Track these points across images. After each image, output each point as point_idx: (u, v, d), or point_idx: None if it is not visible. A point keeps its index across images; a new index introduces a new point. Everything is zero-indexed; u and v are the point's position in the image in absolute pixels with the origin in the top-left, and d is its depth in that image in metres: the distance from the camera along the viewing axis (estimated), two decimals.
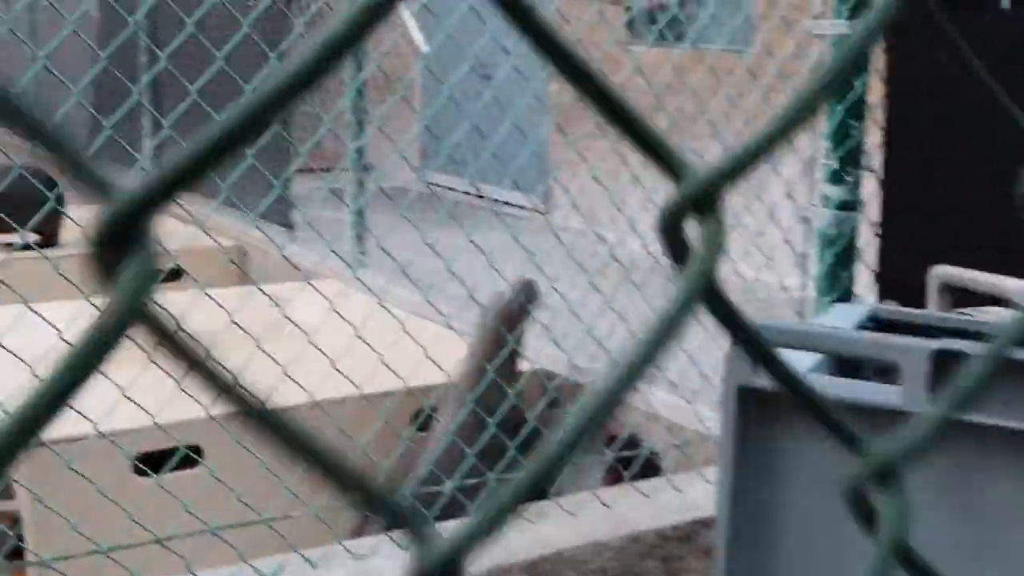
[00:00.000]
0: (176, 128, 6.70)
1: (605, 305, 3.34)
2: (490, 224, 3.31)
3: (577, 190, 3.05)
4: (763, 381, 1.96)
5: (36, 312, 2.26)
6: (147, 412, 2.39)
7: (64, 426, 2.05)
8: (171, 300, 2.36)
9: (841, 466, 1.89)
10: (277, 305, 2.59)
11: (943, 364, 1.89)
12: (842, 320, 2.55)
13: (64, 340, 2.25)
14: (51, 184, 4.76)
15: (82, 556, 2.28)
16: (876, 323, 2.62)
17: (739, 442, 2.01)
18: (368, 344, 2.61)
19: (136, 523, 2.34)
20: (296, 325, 2.63)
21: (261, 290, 2.70)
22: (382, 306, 2.82)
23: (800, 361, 2.11)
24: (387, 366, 2.63)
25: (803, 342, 1.97)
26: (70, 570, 2.28)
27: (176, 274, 5.76)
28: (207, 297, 2.49)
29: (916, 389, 1.86)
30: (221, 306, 2.39)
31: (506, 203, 7.15)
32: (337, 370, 2.57)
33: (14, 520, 3.22)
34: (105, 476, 2.39)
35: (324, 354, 2.61)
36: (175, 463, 2.63)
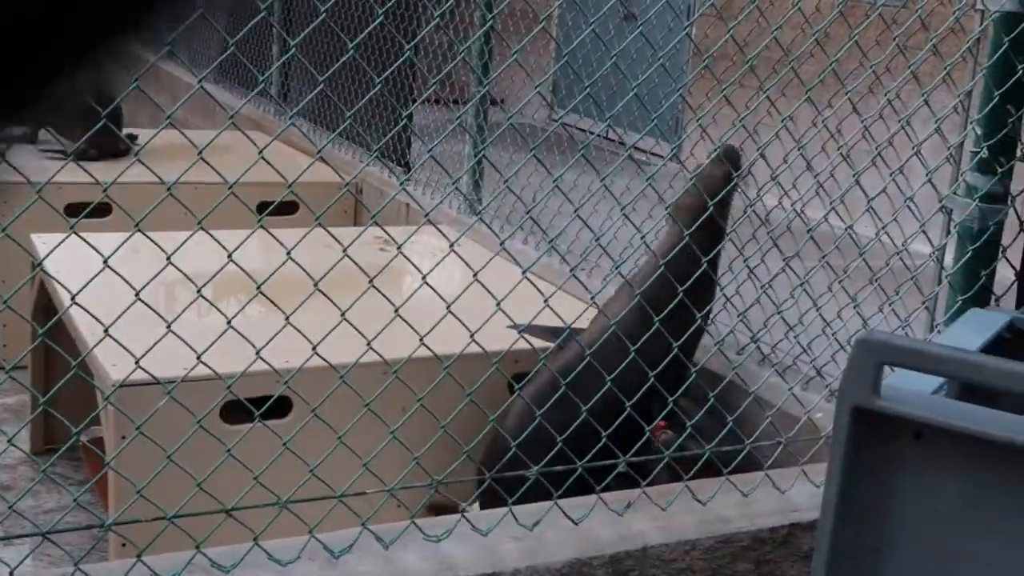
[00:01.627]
0: (302, 49, 6.63)
1: (737, 259, 3.18)
2: (624, 170, 3.14)
3: (716, 139, 2.86)
4: (882, 404, 1.78)
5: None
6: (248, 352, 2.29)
7: (152, 367, 1.97)
8: (284, 235, 2.29)
9: (955, 501, 1.70)
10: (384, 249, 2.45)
11: None
12: (978, 329, 2.34)
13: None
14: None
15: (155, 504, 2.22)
16: (1015, 335, 2.41)
17: (849, 464, 1.84)
18: (490, 292, 2.44)
19: (221, 469, 2.28)
20: (422, 271, 2.46)
21: (383, 229, 2.56)
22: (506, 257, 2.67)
23: (923, 378, 1.93)
24: (511, 320, 2.48)
25: (928, 364, 1.78)
26: (151, 512, 2.22)
27: (293, 207, 5.71)
28: (321, 233, 2.36)
29: None
30: (337, 240, 2.26)
31: (640, 150, 6.97)
32: (458, 319, 2.41)
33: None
34: (191, 421, 2.32)
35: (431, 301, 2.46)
36: (264, 412, 2.55)
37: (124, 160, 6.10)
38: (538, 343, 2.98)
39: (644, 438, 3.09)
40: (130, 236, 2.07)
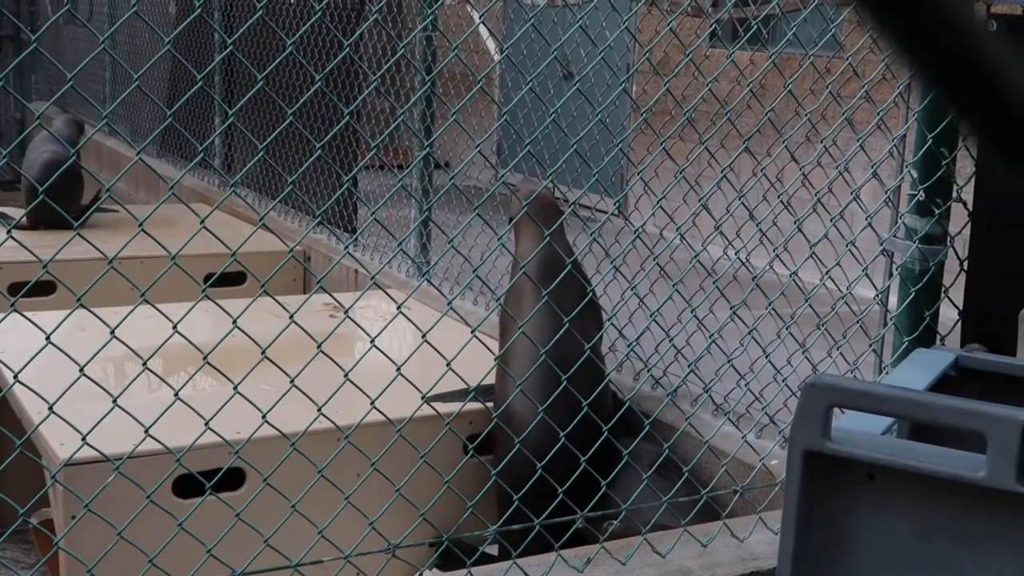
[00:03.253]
0: (244, 120, 6.62)
1: (686, 310, 3.19)
2: (570, 227, 3.16)
3: (658, 193, 2.89)
4: (832, 447, 1.79)
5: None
6: (203, 423, 2.27)
7: (102, 445, 1.93)
8: (231, 305, 2.27)
9: (909, 539, 1.70)
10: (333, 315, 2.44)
11: None
12: (924, 369, 2.36)
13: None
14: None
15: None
16: (961, 372, 2.43)
17: (803, 508, 1.85)
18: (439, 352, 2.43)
19: (174, 544, 2.25)
20: (376, 337, 2.46)
21: (330, 295, 2.56)
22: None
23: (872, 419, 1.94)
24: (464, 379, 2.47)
25: (879, 406, 1.79)
26: None
27: (241, 277, 5.68)
28: (268, 302, 2.35)
29: (1003, 464, 1.67)
30: (283, 307, 2.25)
31: (585, 207, 7.01)
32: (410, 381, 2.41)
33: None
34: (143, 497, 2.28)
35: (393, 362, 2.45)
36: (219, 484, 2.52)
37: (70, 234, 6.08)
38: (450, 407, 2.95)
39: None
40: (72, 311, 2.05)
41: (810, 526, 1.87)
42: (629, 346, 2.90)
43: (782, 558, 1.89)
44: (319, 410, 2.32)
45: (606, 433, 2.82)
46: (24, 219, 6.64)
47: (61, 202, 3.43)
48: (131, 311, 2.12)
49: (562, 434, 2.69)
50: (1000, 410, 1.70)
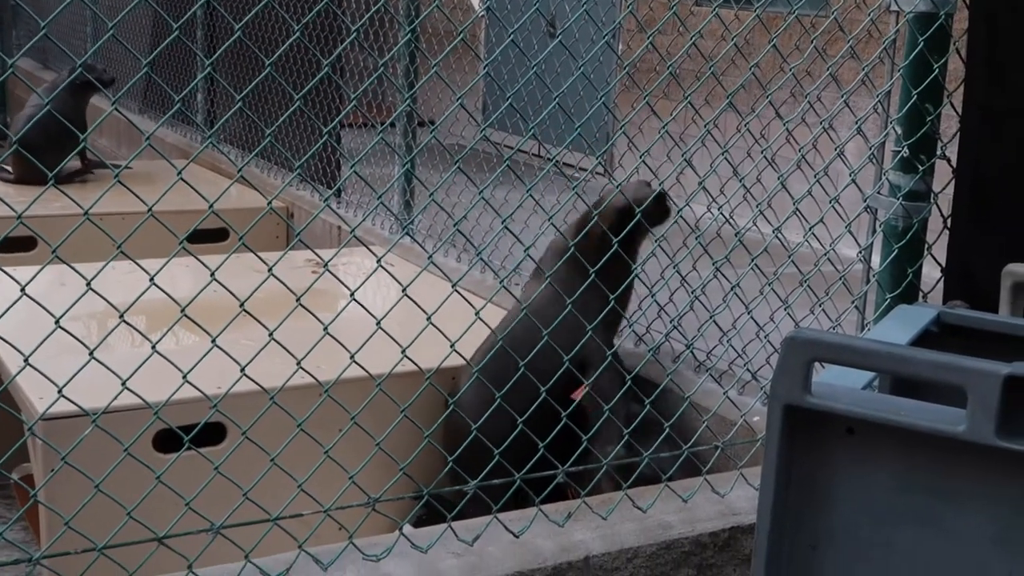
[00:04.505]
0: (227, 77, 6.56)
1: (669, 267, 3.19)
2: (554, 184, 3.14)
3: (643, 149, 2.87)
4: (813, 401, 1.79)
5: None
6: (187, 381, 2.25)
7: (83, 399, 1.92)
8: (213, 261, 2.26)
9: (889, 494, 1.70)
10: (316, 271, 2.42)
11: (1015, 389, 1.70)
12: (905, 325, 2.36)
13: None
14: None
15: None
16: (943, 328, 2.43)
17: (783, 463, 1.85)
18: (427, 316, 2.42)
19: (154, 499, 2.25)
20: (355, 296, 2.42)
21: (311, 249, 2.54)
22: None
23: (854, 374, 1.94)
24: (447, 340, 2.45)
25: (859, 360, 1.79)
26: (82, 544, 2.18)
27: (223, 234, 5.66)
28: (250, 258, 2.33)
29: (983, 418, 1.67)
30: (263, 260, 2.22)
31: (570, 165, 6.98)
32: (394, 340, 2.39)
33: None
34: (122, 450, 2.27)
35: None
36: (201, 439, 2.51)
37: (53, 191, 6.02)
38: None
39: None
40: (47, 263, 2.03)
41: (790, 481, 1.87)
42: (609, 301, 2.90)
43: (761, 513, 1.89)
44: (298, 364, 2.31)
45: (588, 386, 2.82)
46: (9, 173, 6.58)
47: (47, 156, 3.39)
48: (107, 263, 2.10)
49: (543, 389, 2.69)
50: (980, 364, 1.70)
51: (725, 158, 2.97)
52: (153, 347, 2.17)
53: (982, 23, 2.92)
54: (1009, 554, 1.75)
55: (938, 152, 3.01)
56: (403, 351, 2.43)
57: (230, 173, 6.87)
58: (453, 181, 3.41)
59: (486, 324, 2.54)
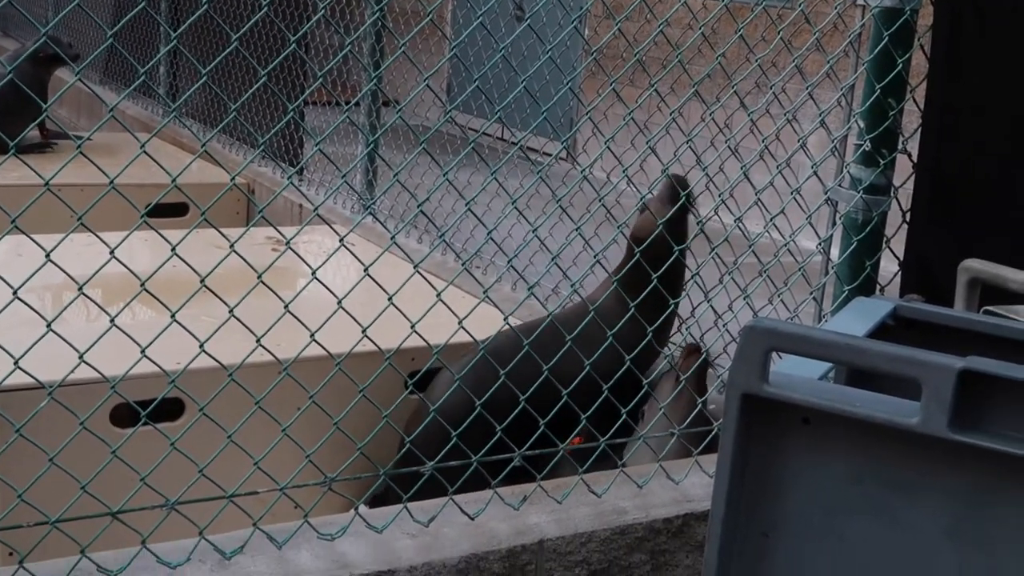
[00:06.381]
0: (192, 51, 6.52)
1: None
2: (518, 168, 3.13)
3: (607, 136, 2.86)
4: (770, 390, 1.80)
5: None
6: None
7: (40, 373, 1.91)
8: (173, 236, 2.24)
9: (842, 484, 1.73)
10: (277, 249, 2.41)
11: (969, 383, 1.72)
12: (862, 317, 2.38)
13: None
14: None
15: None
16: (899, 322, 2.46)
17: (739, 451, 1.86)
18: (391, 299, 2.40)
19: (111, 474, 2.23)
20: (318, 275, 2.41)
21: (273, 227, 2.53)
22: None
23: (810, 365, 1.95)
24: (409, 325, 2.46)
25: (817, 351, 1.81)
26: (35, 518, 2.17)
27: (183, 208, 5.62)
28: (211, 234, 2.31)
29: (937, 411, 1.69)
30: (224, 236, 2.21)
31: (534, 149, 6.99)
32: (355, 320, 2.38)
33: None
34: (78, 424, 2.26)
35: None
36: (160, 415, 2.49)
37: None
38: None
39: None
40: (5, 233, 2.01)
41: (745, 469, 1.89)
42: (572, 287, 2.90)
43: (716, 500, 1.91)
44: (258, 341, 2.30)
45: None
46: None
47: (6, 125, 3.34)
48: (67, 235, 2.08)
49: (502, 372, 2.69)
50: (935, 358, 1.72)
51: (689, 147, 2.98)
52: (111, 320, 2.15)
53: (946, 20, 2.94)
54: (960, 546, 1.77)
55: (899, 147, 3.04)
56: (364, 331, 2.43)
57: (192, 147, 6.82)
58: (416, 162, 3.40)
59: (447, 306, 2.54)
